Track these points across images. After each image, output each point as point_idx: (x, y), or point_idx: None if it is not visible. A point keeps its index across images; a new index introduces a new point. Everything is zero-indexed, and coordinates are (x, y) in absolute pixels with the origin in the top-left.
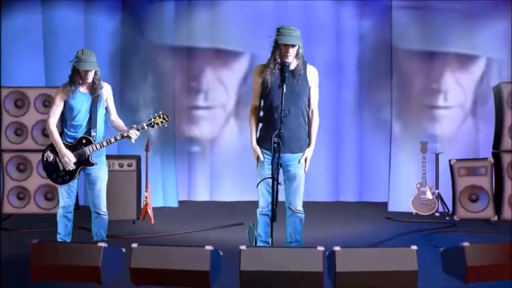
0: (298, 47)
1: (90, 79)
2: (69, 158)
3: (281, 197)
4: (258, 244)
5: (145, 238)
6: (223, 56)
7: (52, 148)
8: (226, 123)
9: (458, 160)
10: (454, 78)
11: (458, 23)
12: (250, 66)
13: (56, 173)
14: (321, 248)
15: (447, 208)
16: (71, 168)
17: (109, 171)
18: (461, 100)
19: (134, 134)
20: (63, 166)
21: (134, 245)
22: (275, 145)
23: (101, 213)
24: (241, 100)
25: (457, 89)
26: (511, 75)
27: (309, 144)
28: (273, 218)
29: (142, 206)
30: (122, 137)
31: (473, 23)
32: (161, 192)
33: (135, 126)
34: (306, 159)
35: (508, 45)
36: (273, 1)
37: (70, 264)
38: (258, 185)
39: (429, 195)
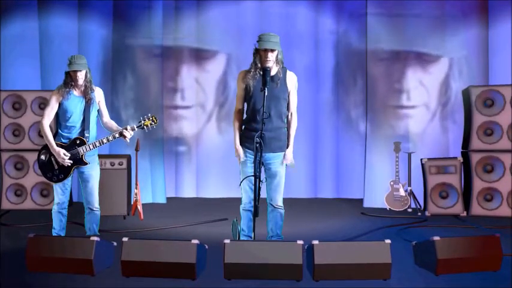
0: (277, 52)
1: (80, 81)
2: (63, 156)
3: (263, 194)
4: (241, 238)
5: (135, 232)
6: (207, 61)
7: (47, 148)
8: (207, 122)
9: (429, 159)
10: (422, 79)
11: (429, 29)
12: (231, 71)
13: (51, 172)
14: (300, 242)
15: (419, 204)
16: (67, 164)
17: (101, 169)
18: (429, 100)
19: (129, 134)
20: (60, 162)
21: (125, 239)
22: (257, 145)
23: (94, 209)
24: (221, 101)
25: (425, 90)
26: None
27: (288, 145)
28: (255, 213)
29: (132, 202)
30: (114, 137)
31: (443, 29)
32: (150, 189)
33: (128, 127)
34: (287, 156)
35: (475, 52)
36: (255, 10)
37: (64, 257)
38: (241, 182)
39: (402, 192)
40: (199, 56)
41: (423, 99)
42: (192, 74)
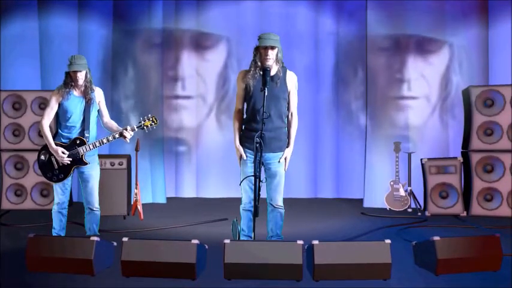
0: (277, 50)
1: (80, 81)
2: (62, 155)
3: (263, 194)
4: (241, 238)
5: (135, 232)
6: (208, 61)
7: (47, 149)
8: (208, 117)
9: (429, 159)
10: (422, 75)
11: (429, 29)
12: (231, 72)
13: (51, 172)
14: (300, 242)
15: (419, 204)
16: (66, 162)
17: (101, 169)
18: (430, 95)
19: (129, 134)
20: (60, 162)
21: (125, 239)
22: (257, 145)
23: (94, 209)
24: (221, 96)
25: (426, 86)
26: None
27: (288, 145)
28: (255, 213)
29: (132, 202)
30: (114, 138)
31: (444, 29)
32: (150, 189)
33: (128, 127)
34: (285, 159)
35: (475, 52)
36: (255, 10)
37: (64, 257)
38: (241, 182)
39: (402, 192)
40: (200, 55)
41: (423, 91)
42: (193, 73)
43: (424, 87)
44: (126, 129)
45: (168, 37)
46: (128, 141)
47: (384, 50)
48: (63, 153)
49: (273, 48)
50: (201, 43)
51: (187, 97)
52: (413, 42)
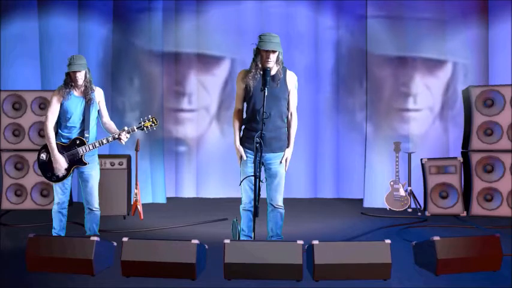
0: (278, 52)
1: (80, 81)
2: (61, 165)
3: (263, 194)
4: (241, 238)
5: (135, 232)
6: (208, 62)
7: (47, 149)
8: (210, 125)
9: (429, 159)
10: (424, 82)
11: (429, 30)
12: (232, 72)
13: (51, 172)
14: (300, 242)
15: (419, 204)
16: (61, 175)
17: (101, 169)
18: (430, 103)
19: (125, 136)
20: (55, 170)
21: (125, 239)
22: (257, 145)
23: (94, 209)
24: (224, 103)
25: (426, 93)
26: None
27: (288, 145)
28: (255, 213)
29: (132, 202)
30: (114, 138)
31: (443, 31)
32: (150, 189)
33: (126, 128)
34: (286, 159)
35: (475, 52)
36: (255, 10)
37: (64, 257)
38: (241, 182)
39: (402, 192)
40: (200, 56)
41: (425, 102)
42: (192, 75)
43: (426, 98)
44: (124, 131)
45: (168, 38)
46: (124, 143)
47: (384, 62)
48: (61, 166)
49: (274, 51)
50: (201, 42)
51: (190, 110)
52: (413, 49)
